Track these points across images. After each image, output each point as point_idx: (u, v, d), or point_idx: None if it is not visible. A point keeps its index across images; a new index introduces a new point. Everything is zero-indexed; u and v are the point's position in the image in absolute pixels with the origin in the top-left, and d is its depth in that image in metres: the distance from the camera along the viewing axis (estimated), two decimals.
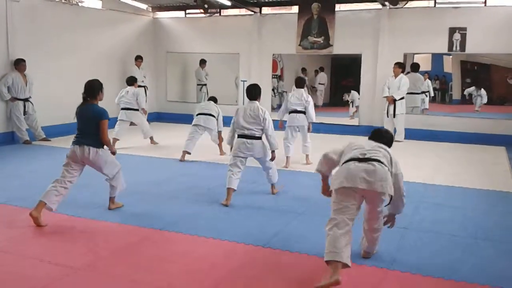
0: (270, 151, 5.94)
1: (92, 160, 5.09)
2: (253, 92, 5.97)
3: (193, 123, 8.51)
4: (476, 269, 4.00)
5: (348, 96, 14.17)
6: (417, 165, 8.17)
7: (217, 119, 8.52)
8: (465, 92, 13.78)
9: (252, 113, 5.80)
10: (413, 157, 8.96)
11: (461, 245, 4.54)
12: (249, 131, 5.81)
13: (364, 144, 4.01)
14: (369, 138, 4.16)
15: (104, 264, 3.98)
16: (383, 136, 4.17)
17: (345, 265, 3.54)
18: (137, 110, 9.52)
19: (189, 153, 8.33)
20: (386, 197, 3.81)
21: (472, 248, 4.47)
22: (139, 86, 12.39)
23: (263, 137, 5.92)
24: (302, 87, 8.22)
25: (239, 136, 5.88)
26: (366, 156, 3.82)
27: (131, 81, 9.77)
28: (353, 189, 3.72)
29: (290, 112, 8.03)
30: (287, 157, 7.91)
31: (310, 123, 7.99)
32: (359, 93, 12.26)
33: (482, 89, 13.31)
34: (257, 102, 5.93)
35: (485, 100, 13.17)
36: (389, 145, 4.14)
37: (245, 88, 6.15)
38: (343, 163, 3.91)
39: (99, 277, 3.76)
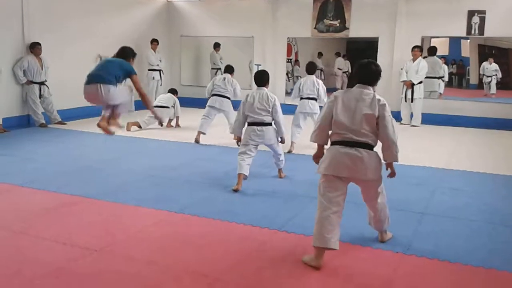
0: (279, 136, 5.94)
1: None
2: (261, 78, 5.90)
3: (208, 103, 8.48)
4: (493, 254, 3.95)
5: None
6: (434, 150, 8.10)
7: (234, 92, 8.49)
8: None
9: (261, 100, 5.73)
10: (430, 142, 8.89)
11: (479, 230, 4.49)
12: (259, 118, 5.74)
13: (348, 117, 3.74)
14: (359, 82, 3.92)
15: (121, 246, 4.00)
16: (372, 73, 3.96)
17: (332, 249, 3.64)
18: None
19: (204, 133, 8.31)
20: (374, 182, 3.79)
21: (489, 234, 4.42)
22: (154, 70, 12.39)
23: (273, 123, 5.89)
24: (313, 73, 8.17)
25: (249, 124, 5.83)
26: (353, 139, 3.70)
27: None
28: (338, 176, 3.71)
29: (301, 98, 7.99)
30: (292, 142, 7.82)
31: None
32: None
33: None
34: (265, 88, 5.86)
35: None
36: (377, 79, 4.00)
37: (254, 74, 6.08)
38: (331, 143, 3.83)
39: (115, 259, 3.78)
